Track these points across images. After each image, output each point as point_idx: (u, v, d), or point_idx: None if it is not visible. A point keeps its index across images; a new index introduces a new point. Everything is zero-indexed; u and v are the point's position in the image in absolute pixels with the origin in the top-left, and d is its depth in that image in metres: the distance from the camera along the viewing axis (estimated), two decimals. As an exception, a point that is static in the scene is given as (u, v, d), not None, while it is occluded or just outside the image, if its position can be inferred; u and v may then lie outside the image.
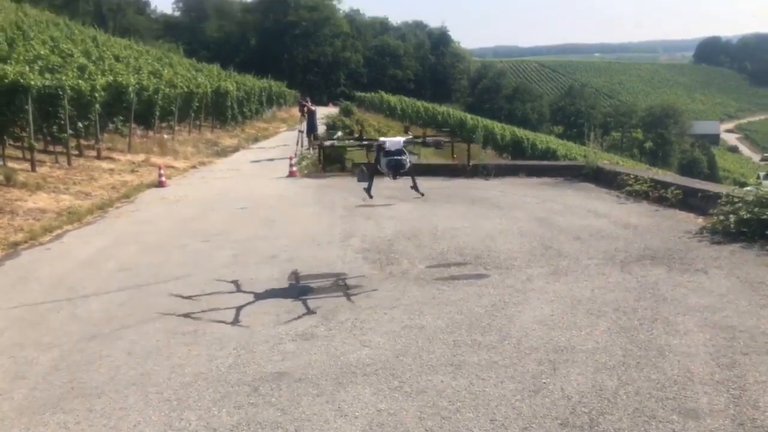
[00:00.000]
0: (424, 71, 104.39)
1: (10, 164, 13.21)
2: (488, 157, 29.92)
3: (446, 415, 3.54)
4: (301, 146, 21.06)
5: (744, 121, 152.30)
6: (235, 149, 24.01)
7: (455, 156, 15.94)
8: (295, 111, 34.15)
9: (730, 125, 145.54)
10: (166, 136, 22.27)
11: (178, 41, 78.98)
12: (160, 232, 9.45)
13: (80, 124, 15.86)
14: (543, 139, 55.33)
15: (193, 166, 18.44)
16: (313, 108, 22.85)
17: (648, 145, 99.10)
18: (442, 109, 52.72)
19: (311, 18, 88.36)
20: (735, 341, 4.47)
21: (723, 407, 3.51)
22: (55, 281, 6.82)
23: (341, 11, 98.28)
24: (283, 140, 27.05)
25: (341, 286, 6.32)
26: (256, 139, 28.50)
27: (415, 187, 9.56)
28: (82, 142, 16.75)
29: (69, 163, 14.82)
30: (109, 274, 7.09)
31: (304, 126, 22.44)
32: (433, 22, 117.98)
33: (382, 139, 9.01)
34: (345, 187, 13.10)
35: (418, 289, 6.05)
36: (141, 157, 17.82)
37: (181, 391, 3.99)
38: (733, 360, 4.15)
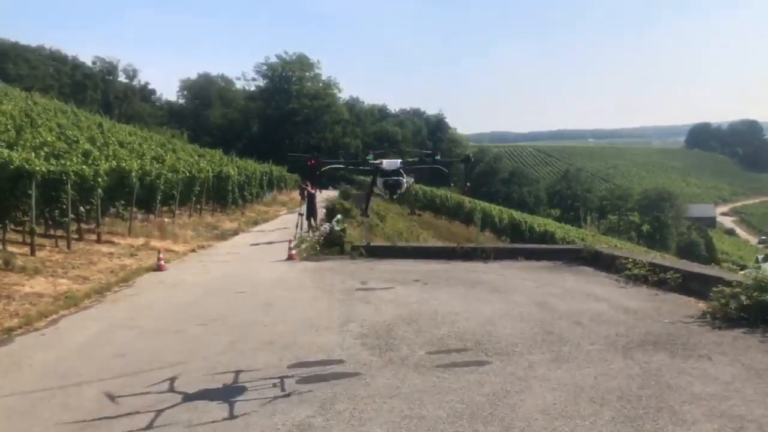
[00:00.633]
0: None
1: (10, 248, 13.24)
2: (487, 239, 30.06)
3: None
4: (301, 229, 21.19)
5: (739, 204, 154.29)
6: (235, 232, 24.11)
7: (463, 191, 15.39)
8: (295, 194, 34.63)
9: (725, 208, 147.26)
10: (166, 219, 22.45)
11: (182, 127, 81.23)
12: (158, 317, 9.36)
13: (82, 209, 16.03)
14: (541, 222, 55.79)
15: (193, 250, 18.46)
16: (313, 191, 23.16)
17: (645, 228, 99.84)
18: (440, 192, 53.42)
19: (312, 105, 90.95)
20: (744, 431, 4.36)
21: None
22: (49, 368, 6.70)
23: (341, 99, 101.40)
24: (283, 223, 27.23)
25: (339, 373, 6.20)
26: (255, 222, 28.68)
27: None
28: (83, 225, 16.86)
29: (69, 246, 14.85)
30: (104, 360, 6.96)
31: (304, 209, 22.67)
32: (430, 110, 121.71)
33: (379, 160, 9.09)
34: (344, 271, 13.10)
35: (418, 377, 5.93)
36: (141, 240, 17.89)
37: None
38: (743, 452, 4.03)
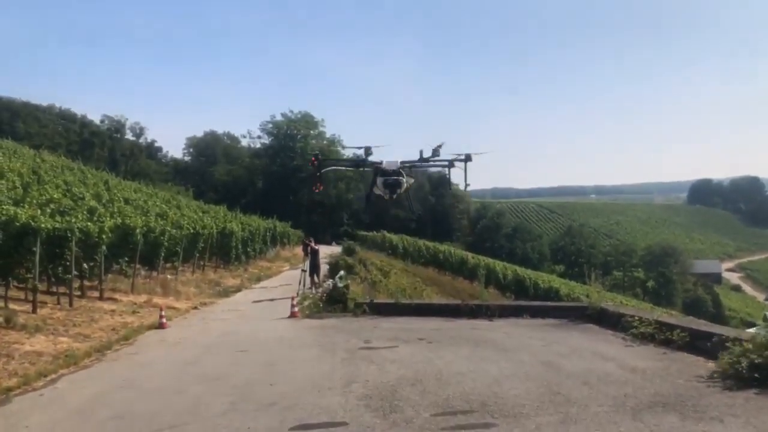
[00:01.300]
0: (425, 211, 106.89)
1: (12, 306, 13.19)
2: (491, 296, 29.83)
3: None
4: (304, 286, 21.11)
5: (744, 260, 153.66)
6: (238, 289, 24.03)
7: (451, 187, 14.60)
8: (299, 250, 34.59)
9: (730, 264, 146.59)
10: (169, 276, 22.42)
11: (187, 184, 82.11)
12: (158, 376, 9.22)
13: (85, 265, 16.05)
14: (545, 279, 55.54)
15: (195, 307, 18.36)
16: (316, 247, 23.19)
17: (650, 284, 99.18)
18: (444, 247, 53.42)
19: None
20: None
21: None
22: (45, 431, 6.55)
23: (345, 156, 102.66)
24: (286, 279, 27.14)
25: (342, 436, 6.05)
26: (258, 279, 28.61)
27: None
28: (86, 282, 16.84)
29: (71, 304, 14.78)
30: (101, 423, 6.82)
31: (307, 265, 22.63)
32: (433, 167, 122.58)
33: (379, 159, 9.02)
34: (347, 329, 12.96)
35: (422, 440, 5.78)
36: (143, 297, 17.82)
37: None
38: None
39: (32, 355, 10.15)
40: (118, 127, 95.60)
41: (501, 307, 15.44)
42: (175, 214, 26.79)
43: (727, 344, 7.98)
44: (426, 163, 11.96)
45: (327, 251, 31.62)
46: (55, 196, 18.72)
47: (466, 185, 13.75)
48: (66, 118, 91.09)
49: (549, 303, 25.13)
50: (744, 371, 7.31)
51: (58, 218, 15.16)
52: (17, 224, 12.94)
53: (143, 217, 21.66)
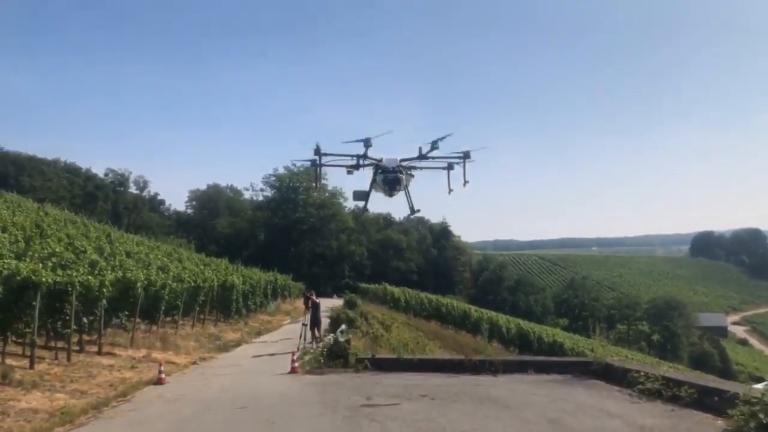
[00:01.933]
0: (427, 263, 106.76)
1: (9, 361, 13.04)
2: (495, 350, 29.47)
3: None
4: (304, 340, 20.87)
5: (749, 313, 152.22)
6: (238, 343, 23.77)
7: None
8: (299, 303, 34.36)
9: (736, 317, 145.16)
10: (169, 330, 22.22)
11: (190, 236, 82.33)
12: (155, 435, 9.02)
13: (85, 320, 15.95)
14: (549, 332, 54.95)
15: (195, 362, 18.12)
16: (317, 301, 23.02)
17: (655, 338, 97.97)
18: (446, 300, 53.03)
19: (318, 214, 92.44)
20: None
21: None
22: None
23: (347, 208, 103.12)
24: (287, 333, 26.87)
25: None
26: (259, 333, 28.32)
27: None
28: (85, 337, 16.68)
29: (69, 359, 14.61)
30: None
31: (307, 319, 22.41)
32: (434, 218, 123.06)
33: (379, 156, 9.21)
34: (348, 385, 12.75)
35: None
36: (142, 352, 17.62)
37: None
38: None
39: (28, 413, 9.98)
40: (122, 180, 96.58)
41: (505, 362, 15.20)
42: (176, 267, 26.74)
43: (737, 401, 7.83)
44: (425, 160, 11.93)
45: (328, 304, 31.40)
46: (57, 249, 18.72)
47: (465, 182, 13.36)
48: (71, 171, 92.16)
49: (553, 358, 24.82)
50: (753, 431, 7.15)
51: (59, 272, 15.14)
52: (18, 278, 12.92)
53: (144, 271, 21.60)
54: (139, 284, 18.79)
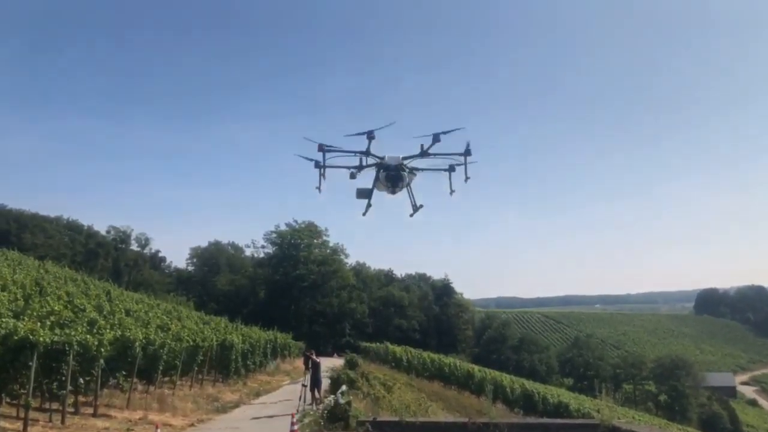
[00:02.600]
0: (429, 321, 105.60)
1: (2, 423, 12.73)
2: (499, 412, 28.80)
3: None
4: (304, 402, 20.45)
5: (758, 372, 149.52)
6: (236, 405, 23.26)
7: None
8: (299, 363, 33.83)
9: (744, 377, 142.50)
10: (167, 391, 21.79)
11: (190, 294, 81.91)
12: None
13: (81, 380, 15.61)
14: (554, 393, 53.83)
15: (192, 424, 17.68)
16: (317, 360, 22.67)
17: (662, 398, 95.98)
18: (449, 360, 52.13)
19: (319, 271, 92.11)
20: None
21: None
22: None
23: (348, 264, 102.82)
24: (286, 394, 26.35)
25: None
26: (258, 394, 27.76)
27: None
28: (80, 398, 16.32)
29: (63, 421, 14.26)
30: None
31: (307, 380, 22.01)
32: (436, 275, 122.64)
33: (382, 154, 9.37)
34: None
35: None
36: (139, 414, 17.21)
37: None
38: None
39: (18, 479, 9.66)
40: (123, 237, 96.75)
41: (510, 425, 14.85)
42: (176, 326, 26.42)
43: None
44: (427, 156, 11.83)
45: (329, 363, 30.91)
46: (56, 308, 18.52)
47: (467, 178, 13.13)
48: (73, 228, 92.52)
49: (559, 420, 24.23)
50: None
51: (57, 331, 14.92)
52: (15, 338, 12.74)
53: (143, 329, 21.33)
54: (137, 343, 18.52)
